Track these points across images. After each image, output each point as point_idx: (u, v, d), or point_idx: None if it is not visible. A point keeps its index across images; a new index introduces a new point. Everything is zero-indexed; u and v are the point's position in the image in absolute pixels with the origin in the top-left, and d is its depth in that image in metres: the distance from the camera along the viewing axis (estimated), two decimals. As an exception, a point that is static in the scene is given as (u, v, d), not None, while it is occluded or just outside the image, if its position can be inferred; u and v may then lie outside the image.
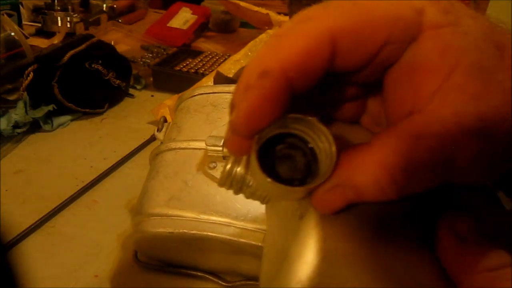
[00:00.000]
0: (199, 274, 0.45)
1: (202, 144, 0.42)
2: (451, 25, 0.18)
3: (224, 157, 0.41)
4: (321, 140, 0.19)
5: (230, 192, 0.23)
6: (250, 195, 0.24)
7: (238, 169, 0.23)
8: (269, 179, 0.18)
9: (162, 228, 0.39)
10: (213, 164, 0.41)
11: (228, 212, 0.39)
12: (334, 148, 0.18)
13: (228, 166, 0.23)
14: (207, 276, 0.45)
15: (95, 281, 0.45)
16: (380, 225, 0.19)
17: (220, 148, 0.41)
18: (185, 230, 0.39)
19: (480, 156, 0.17)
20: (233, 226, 0.39)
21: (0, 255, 0.21)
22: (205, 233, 0.38)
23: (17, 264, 0.21)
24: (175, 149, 0.45)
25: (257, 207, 0.38)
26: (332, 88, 0.22)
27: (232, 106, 0.19)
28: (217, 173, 0.41)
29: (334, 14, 0.18)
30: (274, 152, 0.20)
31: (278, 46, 0.18)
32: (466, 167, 0.17)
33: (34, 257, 0.47)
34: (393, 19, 0.18)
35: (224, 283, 0.44)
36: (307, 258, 0.18)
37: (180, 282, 0.45)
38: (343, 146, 0.19)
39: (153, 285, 0.45)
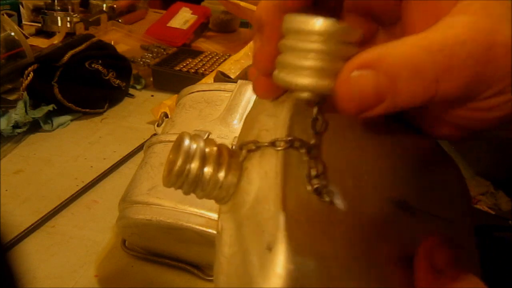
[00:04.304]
0: (181, 265, 0.46)
1: None
2: None
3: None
4: None
5: None
6: (205, 195, 0.20)
7: (192, 165, 0.19)
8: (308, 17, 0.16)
9: (142, 215, 0.41)
10: None
11: (203, 203, 0.40)
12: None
13: (179, 164, 0.19)
14: (188, 268, 0.46)
15: (95, 281, 0.45)
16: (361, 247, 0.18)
17: None
18: (162, 219, 0.40)
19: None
20: (207, 217, 0.39)
21: (0, 255, 0.21)
22: (180, 222, 0.39)
23: (17, 264, 0.21)
24: (164, 141, 0.46)
25: None
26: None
27: None
28: None
29: None
30: None
31: None
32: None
33: (34, 257, 0.47)
34: None
35: (205, 276, 0.45)
36: None
37: (170, 275, 0.45)
38: None
39: (153, 283, 0.45)
